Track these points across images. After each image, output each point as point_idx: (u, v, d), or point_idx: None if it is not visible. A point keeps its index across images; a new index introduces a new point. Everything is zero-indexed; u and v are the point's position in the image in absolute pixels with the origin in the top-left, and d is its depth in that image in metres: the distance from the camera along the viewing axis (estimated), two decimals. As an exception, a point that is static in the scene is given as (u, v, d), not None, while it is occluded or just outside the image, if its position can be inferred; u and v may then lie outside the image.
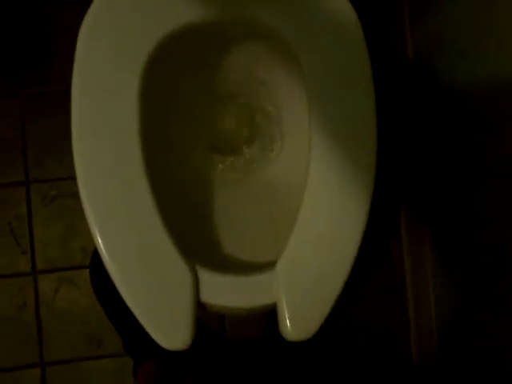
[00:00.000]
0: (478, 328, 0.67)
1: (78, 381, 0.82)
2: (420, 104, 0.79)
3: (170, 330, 0.47)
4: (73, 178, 0.49)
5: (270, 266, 0.50)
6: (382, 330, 0.87)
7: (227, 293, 0.48)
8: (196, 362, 0.77)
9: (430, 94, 0.75)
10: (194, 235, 0.57)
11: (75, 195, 0.82)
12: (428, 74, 0.76)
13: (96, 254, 0.79)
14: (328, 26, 0.53)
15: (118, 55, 0.50)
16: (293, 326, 0.48)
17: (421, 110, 0.79)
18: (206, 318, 0.83)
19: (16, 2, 0.83)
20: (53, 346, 0.81)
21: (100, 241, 0.48)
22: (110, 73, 0.50)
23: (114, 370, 0.82)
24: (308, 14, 0.53)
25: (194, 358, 0.76)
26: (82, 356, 0.82)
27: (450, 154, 0.71)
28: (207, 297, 0.48)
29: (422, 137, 0.79)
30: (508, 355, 0.61)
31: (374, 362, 0.88)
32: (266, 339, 0.84)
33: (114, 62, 0.50)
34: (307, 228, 0.50)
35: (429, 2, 0.73)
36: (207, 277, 0.48)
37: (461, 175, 0.68)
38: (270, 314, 0.80)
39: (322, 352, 0.85)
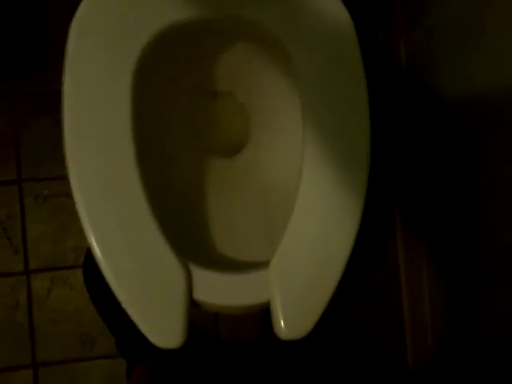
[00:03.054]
0: (474, 331, 0.67)
1: (70, 382, 0.81)
2: (416, 108, 0.80)
3: (163, 328, 0.46)
4: (66, 178, 0.49)
5: (263, 264, 0.50)
6: (376, 333, 0.87)
7: (220, 291, 0.48)
8: (190, 363, 0.76)
9: (425, 98, 0.76)
10: (188, 233, 0.57)
11: (68, 194, 0.81)
12: (421, 80, 0.76)
13: (89, 254, 0.78)
14: (321, 27, 0.54)
15: (109, 54, 0.50)
16: (287, 324, 0.48)
17: (416, 114, 0.79)
18: (200, 320, 0.83)
19: (12, 2, 0.83)
20: (45, 346, 0.81)
21: (93, 239, 0.47)
22: (102, 72, 0.50)
23: (107, 371, 0.82)
24: (301, 13, 0.53)
25: (187, 360, 0.76)
26: (74, 357, 0.81)
27: (445, 157, 0.71)
28: (200, 295, 0.47)
29: (418, 139, 0.80)
30: (504, 359, 0.61)
31: (368, 366, 0.87)
32: (260, 341, 0.83)
33: (105, 61, 0.50)
34: (301, 227, 0.50)
35: (422, 8, 0.74)
36: (200, 275, 0.48)
37: (455, 179, 0.68)
38: (264, 316, 0.80)
39: (316, 355, 0.85)
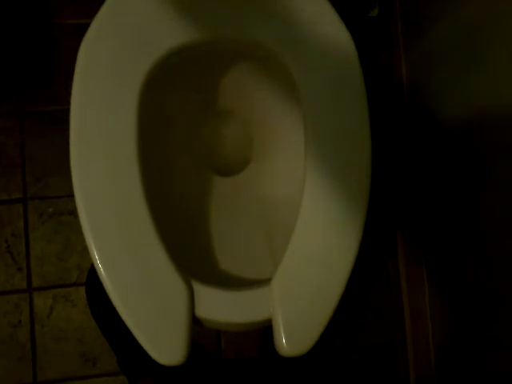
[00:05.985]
0: (477, 348, 0.67)
1: (71, 401, 0.81)
2: (417, 127, 0.80)
3: (165, 345, 0.46)
4: (70, 196, 0.50)
5: (266, 281, 0.50)
6: (379, 350, 0.87)
7: (223, 307, 0.48)
8: (192, 381, 0.76)
9: (426, 117, 0.76)
10: (191, 250, 0.57)
11: (72, 212, 0.82)
12: (422, 99, 0.77)
13: (92, 271, 0.79)
14: (323, 47, 0.54)
15: (116, 73, 0.51)
16: (288, 341, 0.48)
17: (417, 133, 0.80)
18: (202, 338, 0.83)
19: (20, 23, 0.85)
20: (47, 364, 0.80)
21: (97, 256, 0.48)
22: (109, 90, 0.51)
23: (109, 389, 0.81)
24: (302, 34, 0.54)
25: (189, 377, 0.75)
26: (76, 375, 0.81)
27: (445, 176, 0.71)
28: (202, 311, 0.48)
29: (418, 159, 0.80)
30: (507, 376, 0.60)
31: (370, 382, 0.87)
32: (262, 358, 0.83)
33: (112, 80, 0.51)
34: (302, 244, 0.51)
35: (422, 27, 0.75)
36: (203, 291, 0.48)
37: (456, 199, 0.68)
38: (266, 334, 0.80)
39: (318, 372, 0.84)
